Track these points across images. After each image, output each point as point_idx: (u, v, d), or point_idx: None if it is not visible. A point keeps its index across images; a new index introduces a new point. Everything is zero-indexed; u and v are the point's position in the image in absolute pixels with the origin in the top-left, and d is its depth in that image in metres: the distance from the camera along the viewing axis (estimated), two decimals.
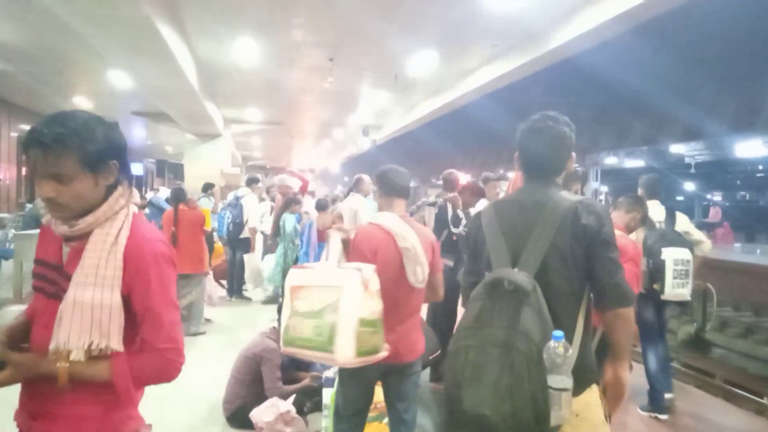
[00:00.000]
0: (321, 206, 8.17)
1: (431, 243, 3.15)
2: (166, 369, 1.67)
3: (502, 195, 4.78)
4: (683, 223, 4.85)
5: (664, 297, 4.42)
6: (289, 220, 8.24)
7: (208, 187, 10.94)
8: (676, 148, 23.85)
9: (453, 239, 5.04)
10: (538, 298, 1.87)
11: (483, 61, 11.19)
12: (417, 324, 3.21)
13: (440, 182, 6.07)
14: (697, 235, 4.89)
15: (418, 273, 2.99)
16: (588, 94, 16.47)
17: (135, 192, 1.93)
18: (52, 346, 1.55)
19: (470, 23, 8.79)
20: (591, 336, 2.07)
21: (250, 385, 4.34)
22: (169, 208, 8.10)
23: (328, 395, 3.70)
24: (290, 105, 16.64)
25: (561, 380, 1.75)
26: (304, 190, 8.96)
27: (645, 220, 4.43)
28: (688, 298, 4.49)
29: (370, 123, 19.37)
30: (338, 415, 3.10)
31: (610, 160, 25.31)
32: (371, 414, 3.61)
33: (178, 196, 7.10)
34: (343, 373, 3.07)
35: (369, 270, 2.65)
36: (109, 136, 1.63)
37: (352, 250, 2.95)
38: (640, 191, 4.99)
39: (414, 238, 2.99)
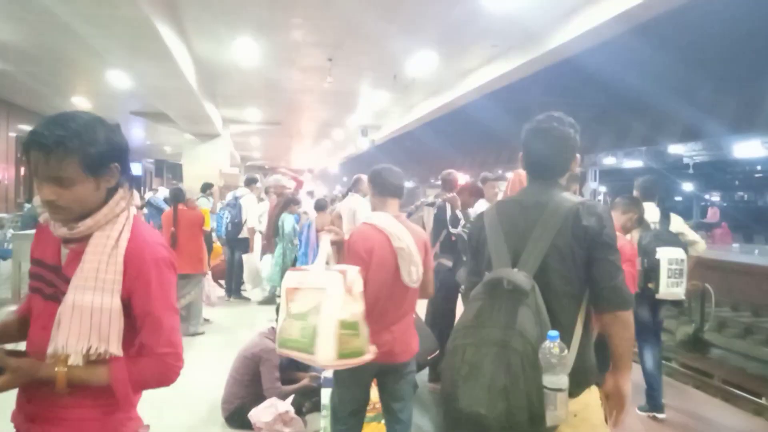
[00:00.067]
0: (320, 206, 8.18)
1: (424, 242, 3.17)
2: (166, 374, 1.66)
3: (500, 195, 4.78)
4: (678, 224, 4.90)
5: (658, 296, 4.47)
6: (287, 221, 8.25)
7: (206, 188, 10.94)
8: (675, 149, 23.85)
9: (452, 239, 5.03)
10: (536, 299, 1.87)
11: (482, 61, 11.19)
12: (411, 323, 3.21)
13: (439, 182, 6.06)
14: (692, 235, 4.93)
15: (413, 273, 2.99)
16: (587, 95, 16.49)
17: (135, 194, 1.92)
18: (50, 350, 1.54)
19: (470, 23, 8.79)
20: (591, 337, 2.06)
21: (248, 386, 4.34)
22: (167, 208, 8.10)
23: (327, 395, 3.70)
24: (289, 105, 16.63)
25: (556, 380, 1.75)
26: (297, 190, 8.97)
27: (641, 221, 4.48)
28: (683, 297, 4.54)
29: (369, 123, 19.36)
30: (335, 416, 3.10)
31: (609, 161, 25.34)
32: (369, 414, 3.61)
33: (177, 197, 7.09)
34: (338, 374, 3.06)
35: (353, 272, 2.67)
36: (110, 138, 1.61)
37: (347, 251, 2.94)
38: (635, 193, 5.04)
39: (408, 238, 2.99)
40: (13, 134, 16.17)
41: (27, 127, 16.46)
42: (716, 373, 8.11)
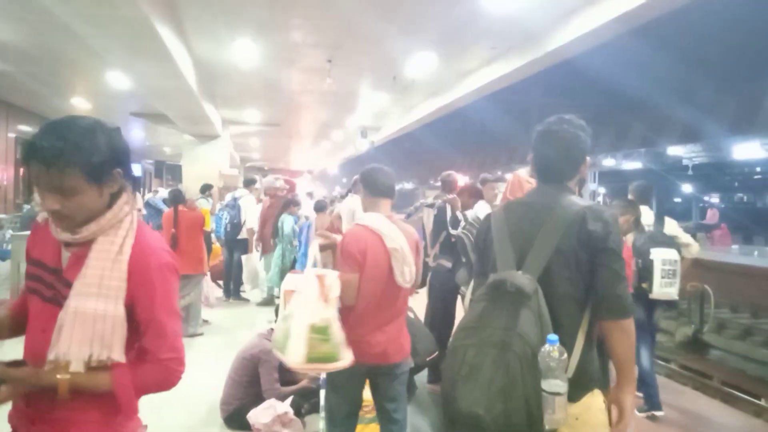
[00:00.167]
0: (319, 207, 8.18)
1: (416, 242, 3.18)
2: (168, 378, 1.67)
3: (500, 196, 4.78)
4: (672, 227, 5.00)
5: (652, 296, 4.55)
6: (287, 222, 8.25)
7: (206, 189, 10.94)
8: (674, 150, 23.86)
9: (451, 240, 5.03)
10: (538, 302, 1.86)
11: (482, 62, 11.18)
12: (404, 324, 3.21)
13: (439, 183, 6.06)
14: (685, 238, 5.01)
15: (406, 273, 3.00)
16: (586, 96, 16.52)
17: (138, 197, 1.91)
18: (51, 357, 1.53)
19: (469, 24, 8.79)
20: (594, 342, 2.04)
21: (247, 387, 4.34)
22: (166, 209, 8.11)
23: None
24: (289, 106, 16.63)
25: (555, 384, 1.74)
26: (291, 193, 8.96)
27: (638, 224, 4.56)
28: (676, 297, 4.61)
29: (369, 124, 19.35)
30: (332, 419, 3.09)
31: (608, 162, 25.34)
32: (368, 416, 3.61)
33: (177, 198, 7.10)
34: (331, 377, 3.05)
35: (331, 277, 2.73)
36: (111, 144, 1.58)
37: (341, 252, 2.95)
38: (630, 196, 5.14)
39: (401, 239, 3.00)
40: (12, 135, 16.16)
41: (26, 128, 16.48)
42: (716, 375, 8.11)
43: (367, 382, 3.17)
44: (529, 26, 8.74)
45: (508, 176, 4.29)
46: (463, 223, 4.83)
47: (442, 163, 23.29)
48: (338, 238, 3.10)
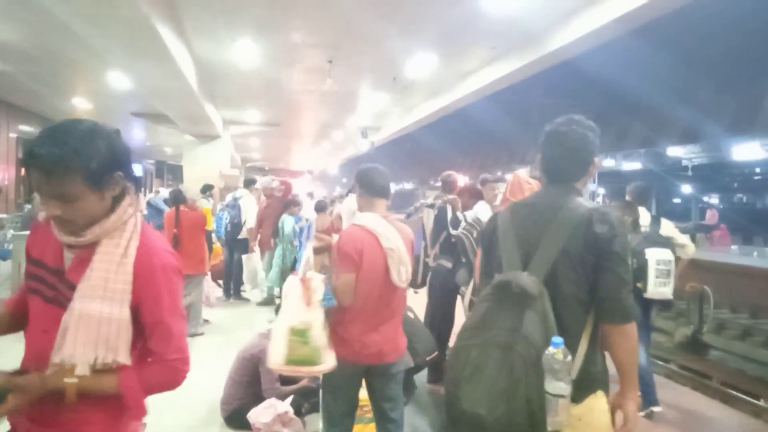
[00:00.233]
0: (320, 208, 8.19)
1: (411, 241, 3.18)
2: (174, 378, 1.68)
3: (500, 197, 4.79)
4: (668, 228, 5.03)
5: (646, 295, 4.58)
6: (287, 222, 8.26)
7: (207, 189, 10.95)
8: (674, 151, 23.89)
9: (452, 241, 5.04)
10: (543, 303, 1.86)
11: (482, 62, 11.19)
12: (399, 323, 3.21)
13: (439, 184, 6.07)
14: (681, 239, 5.05)
15: (402, 273, 3.00)
16: (586, 96, 16.54)
17: (141, 198, 1.91)
18: (57, 360, 1.52)
19: (469, 25, 8.80)
20: (598, 344, 2.03)
21: (248, 386, 4.34)
22: (166, 209, 8.12)
23: None
24: (289, 106, 16.65)
25: (558, 386, 1.74)
26: (287, 193, 8.94)
27: (636, 225, 4.58)
28: (670, 296, 4.63)
29: (369, 124, 19.36)
30: (331, 420, 3.08)
31: (608, 163, 25.36)
32: (368, 415, 3.62)
33: (178, 198, 7.11)
34: (326, 376, 3.05)
35: (317, 280, 2.78)
36: (111, 148, 1.56)
37: (337, 253, 2.95)
38: (627, 198, 5.16)
39: (397, 239, 3.00)
40: (13, 135, 16.17)
41: (27, 128, 16.49)
42: (715, 375, 8.11)
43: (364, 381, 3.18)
44: (529, 27, 8.75)
45: (508, 177, 4.30)
46: (463, 224, 4.84)
47: (442, 164, 23.31)
48: (333, 239, 3.11)
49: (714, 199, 36.49)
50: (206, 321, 7.47)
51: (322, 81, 11.95)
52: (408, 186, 46.55)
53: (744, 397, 7.11)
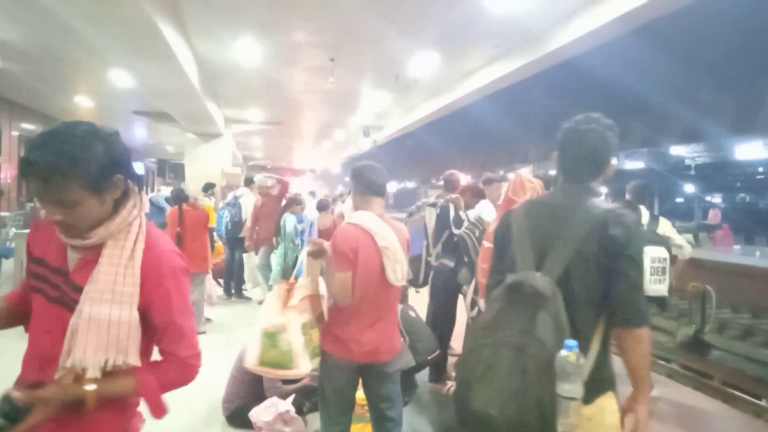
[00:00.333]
0: (322, 207, 8.19)
1: (406, 240, 3.16)
2: (189, 374, 1.72)
3: (502, 196, 4.79)
4: (666, 227, 5.05)
5: None
6: (289, 221, 8.25)
7: (208, 187, 10.96)
8: (677, 150, 23.85)
9: (454, 240, 5.04)
10: (557, 305, 1.84)
11: (484, 62, 11.20)
12: (395, 322, 3.21)
13: (441, 183, 6.07)
14: (679, 240, 5.08)
15: (398, 271, 2.98)
16: (588, 96, 16.52)
17: (145, 197, 1.90)
18: (68, 364, 1.52)
19: (471, 24, 8.80)
20: (610, 346, 2.02)
21: (250, 385, 4.34)
22: (167, 207, 8.12)
23: None
24: (291, 105, 16.65)
25: (571, 389, 1.73)
26: (283, 192, 8.89)
27: (637, 224, 4.57)
28: (666, 294, 4.61)
29: (371, 123, 19.37)
30: (330, 418, 3.07)
31: None
32: (368, 414, 3.62)
33: (180, 197, 7.12)
34: (323, 375, 3.07)
35: (298, 284, 2.90)
36: (109, 151, 1.53)
37: (333, 252, 2.95)
38: (627, 197, 5.17)
39: (393, 237, 2.99)
40: (15, 133, 16.18)
41: (29, 126, 16.49)
42: (716, 375, 8.10)
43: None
44: (530, 26, 8.75)
45: (510, 175, 4.29)
46: (466, 223, 4.84)
47: (444, 163, 23.31)
48: (327, 243, 3.11)
49: (717, 199, 36.42)
50: (208, 320, 7.48)
51: (323, 80, 11.96)
52: (410, 185, 46.54)
53: (745, 396, 7.10)
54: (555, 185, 2.24)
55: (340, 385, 3.03)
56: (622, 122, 18.40)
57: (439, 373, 5.20)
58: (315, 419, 4.25)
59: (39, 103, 16.33)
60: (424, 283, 5.42)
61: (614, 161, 2.16)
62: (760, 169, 31.39)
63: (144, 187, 1.78)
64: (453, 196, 5.25)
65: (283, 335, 2.91)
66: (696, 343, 9.70)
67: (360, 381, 3.15)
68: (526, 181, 3.75)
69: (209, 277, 7.75)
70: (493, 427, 1.74)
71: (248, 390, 4.33)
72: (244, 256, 9.13)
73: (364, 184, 3.10)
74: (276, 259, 8.31)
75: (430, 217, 5.36)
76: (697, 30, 11.14)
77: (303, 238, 8.01)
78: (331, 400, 3.05)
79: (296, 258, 8.00)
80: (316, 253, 3.09)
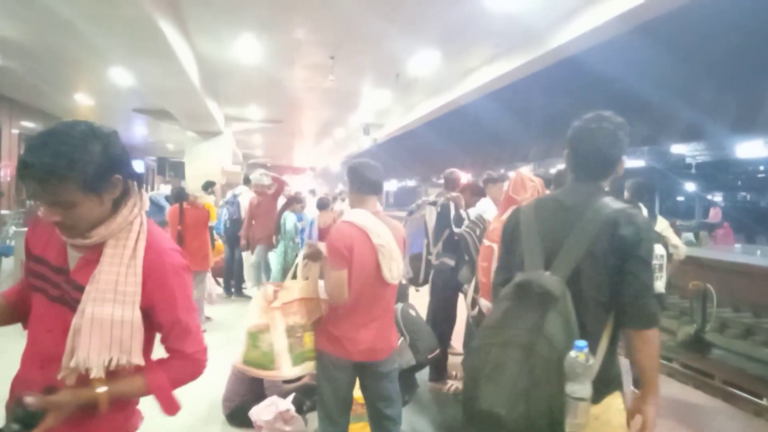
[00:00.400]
0: (322, 205, 8.19)
1: (403, 238, 3.15)
2: (197, 370, 1.74)
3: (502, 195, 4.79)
4: (663, 226, 5.06)
5: None
6: (289, 219, 8.25)
7: (208, 186, 10.95)
8: (677, 149, 23.80)
9: (455, 238, 5.03)
10: (566, 305, 1.83)
11: (484, 60, 11.19)
12: (391, 320, 3.20)
13: (441, 181, 6.06)
14: (674, 240, 5.11)
15: (393, 269, 2.97)
16: (588, 94, 16.47)
17: (145, 195, 1.89)
18: (72, 364, 1.51)
19: (471, 23, 8.80)
20: (617, 346, 2.02)
21: (249, 384, 4.34)
22: (167, 205, 8.12)
23: None
24: (291, 103, 16.66)
25: (580, 389, 1.72)
26: (279, 191, 8.87)
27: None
28: (662, 290, 4.62)
29: (371, 122, 19.38)
30: (330, 418, 3.06)
31: None
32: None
33: (180, 195, 7.12)
34: (320, 374, 3.07)
35: (285, 286, 2.99)
36: (107, 151, 1.52)
37: (328, 250, 2.94)
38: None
39: (388, 235, 2.97)
40: (15, 131, 16.17)
41: (30, 124, 16.48)
42: (717, 374, 8.09)
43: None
44: (530, 25, 8.74)
45: (511, 174, 4.29)
46: (466, 221, 4.83)
47: (444, 161, 23.25)
48: (323, 245, 3.11)
49: (717, 198, 36.38)
50: (208, 318, 7.48)
51: (324, 78, 11.95)
52: (410, 183, 46.50)
53: (746, 395, 7.09)
54: (562, 183, 2.22)
55: (337, 384, 3.02)
56: (624, 120, 18.40)
57: (439, 372, 5.20)
58: (315, 418, 4.22)
59: (39, 101, 16.33)
60: (425, 282, 5.41)
61: (624, 159, 2.14)
62: (761, 168, 31.35)
63: (144, 186, 1.77)
64: (454, 194, 5.24)
65: (265, 336, 2.96)
66: (697, 342, 9.68)
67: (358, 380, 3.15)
68: (526, 180, 3.74)
69: (209, 275, 7.76)
70: (501, 427, 1.73)
71: (248, 388, 4.32)
72: (244, 254, 9.12)
73: (360, 182, 3.08)
74: (276, 258, 8.32)
75: (431, 215, 5.35)
76: (698, 28, 11.11)
77: (303, 237, 8.01)
78: (328, 400, 3.04)
79: (296, 256, 8.01)
80: (312, 256, 3.09)
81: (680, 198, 37.63)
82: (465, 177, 6.19)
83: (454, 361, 5.63)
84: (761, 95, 13.55)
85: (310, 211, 8.80)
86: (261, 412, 4.04)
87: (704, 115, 14.73)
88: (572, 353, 1.73)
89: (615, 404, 1.99)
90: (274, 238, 8.51)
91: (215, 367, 4.98)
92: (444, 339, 5.18)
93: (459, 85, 12.85)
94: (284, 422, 4.03)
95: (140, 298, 1.57)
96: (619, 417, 1.98)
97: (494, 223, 3.86)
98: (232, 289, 9.20)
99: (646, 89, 13.96)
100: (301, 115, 19.33)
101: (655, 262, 4.54)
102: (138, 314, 1.56)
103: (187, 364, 1.71)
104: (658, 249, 4.61)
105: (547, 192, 3.65)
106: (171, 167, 34.40)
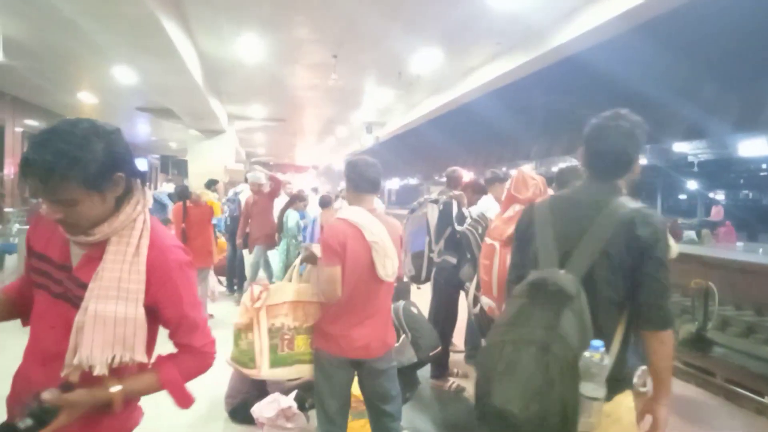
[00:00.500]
0: (324, 203, 8.20)
1: (399, 236, 3.14)
2: (207, 362, 1.76)
3: (504, 193, 4.79)
4: None
5: None
6: (291, 217, 8.26)
7: (211, 184, 10.96)
8: (680, 147, 23.76)
9: (457, 237, 5.04)
10: (581, 304, 1.82)
11: (486, 59, 11.19)
12: (388, 317, 3.19)
13: (443, 179, 6.07)
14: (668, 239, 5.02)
15: (388, 266, 2.96)
16: (590, 93, 16.44)
17: (148, 193, 1.89)
18: (75, 361, 1.51)
19: (473, 21, 8.80)
20: (630, 346, 2.01)
21: (252, 381, 4.34)
22: (169, 203, 8.14)
23: None
24: (294, 102, 16.66)
25: (594, 389, 1.72)
26: (276, 190, 8.84)
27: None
28: None
29: (374, 120, 19.37)
30: (327, 417, 3.06)
31: None
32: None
33: (183, 194, 7.14)
34: (317, 372, 3.08)
35: (273, 287, 3.06)
36: (109, 150, 1.50)
37: (321, 247, 2.96)
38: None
39: (382, 232, 2.97)
40: (19, 129, 16.19)
41: (33, 122, 16.50)
42: (719, 372, 8.08)
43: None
44: (532, 23, 8.74)
45: (513, 172, 4.30)
46: (468, 220, 4.84)
47: (447, 159, 23.22)
48: (317, 246, 3.13)
49: (720, 196, 36.30)
50: (210, 315, 7.50)
51: (326, 77, 11.97)
52: (412, 181, 46.46)
53: (748, 394, 7.08)
54: (564, 182, 2.21)
55: (334, 382, 3.03)
56: None
57: (440, 370, 5.21)
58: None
59: (42, 100, 16.34)
60: (427, 280, 5.42)
61: (642, 159, 2.12)
62: (764, 166, 31.30)
63: (147, 184, 1.78)
64: (456, 192, 5.25)
65: (247, 334, 3.01)
66: (698, 340, 9.67)
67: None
68: (528, 178, 3.74)
69: (211, 273, 7.78)
70: (513, 424, 1.72)
71: (251, 385, 4.33)
72: (245, 251, 9.13)
73: (357, 180, 3.08)
74: (278, 255, 8.33)
75: (433, 213, 5.36)
76: (700, 27, 11.09)
77: (305, 234, 8.03)
78: (325, 397, 3.04)
79: (298, 254, 8.02)
80: (308, 258, 3.12)
81: (682, 196, 37.59)
82: (467, 175, 6.20)
83: (456, 358, 5.65)
84: (764, 93, 13.52)
85: (313, 209, 8.81)
86: (263, 409, 4.05)
87: (706, 114, 14.71)
88: (587, 353, 1.73)
89: (625, 402, 1.99)
90: (276, 236, 8.52)
91: (218, 364, 5.00)
92: (445, 336, 5.19)
93: (461, 84, 12.84)
94: (286, 419, 4.04)
95: (144, 296, 1.57)
96: (630, 415, 1.99)
97: (496, 221, 3.87)
98: (235, 287, 9.20)
99: (647, 87, 13.93)
100: (304, 114, 19.33)
101: None
102: (141, 311, 1.56)
103: (196, 357, 1.73)
104: None
105: (549, 190, 3.65)
106: (174, 165, 34.44)
